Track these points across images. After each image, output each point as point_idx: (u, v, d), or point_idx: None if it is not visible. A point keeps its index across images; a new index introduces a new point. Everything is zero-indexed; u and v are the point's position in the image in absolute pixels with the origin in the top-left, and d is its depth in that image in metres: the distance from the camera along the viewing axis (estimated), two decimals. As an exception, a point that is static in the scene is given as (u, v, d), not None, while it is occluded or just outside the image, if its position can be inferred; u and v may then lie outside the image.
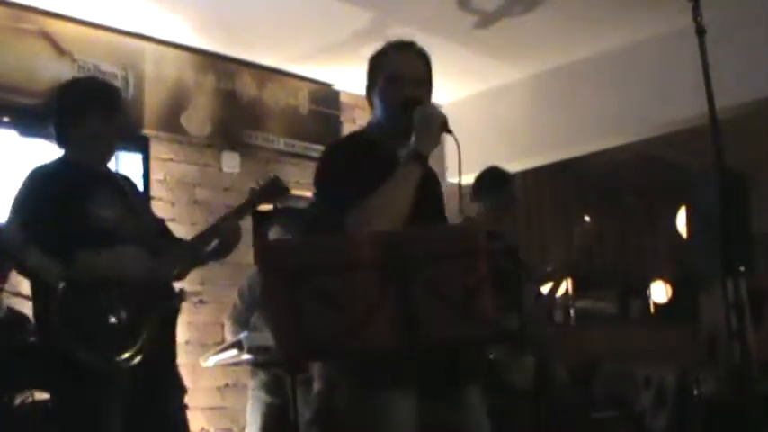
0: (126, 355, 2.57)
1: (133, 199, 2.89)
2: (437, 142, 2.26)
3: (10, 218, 2.62)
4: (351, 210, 2.09)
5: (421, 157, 2.20)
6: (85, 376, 2.52)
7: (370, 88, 2.49)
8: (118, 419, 2.57)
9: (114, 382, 2.56)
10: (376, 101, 2.44)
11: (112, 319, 2.57)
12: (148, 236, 2.79)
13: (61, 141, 2.82)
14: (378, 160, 2.25)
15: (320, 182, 2.29)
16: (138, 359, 2.59)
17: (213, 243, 2.91)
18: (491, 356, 3.51)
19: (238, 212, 2.97)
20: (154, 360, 2.63)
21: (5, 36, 4.34)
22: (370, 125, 2.46)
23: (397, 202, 2.15)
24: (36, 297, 2.65)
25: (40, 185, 2.68)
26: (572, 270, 4.49)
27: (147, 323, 2.63)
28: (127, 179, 3.01)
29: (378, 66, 2.48)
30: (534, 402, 3.54)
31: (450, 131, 2.25)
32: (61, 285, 2.50)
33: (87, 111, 2.76)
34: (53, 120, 2.82)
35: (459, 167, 2.22)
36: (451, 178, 6.37)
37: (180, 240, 2.97)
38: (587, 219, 4.01)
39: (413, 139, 2.21)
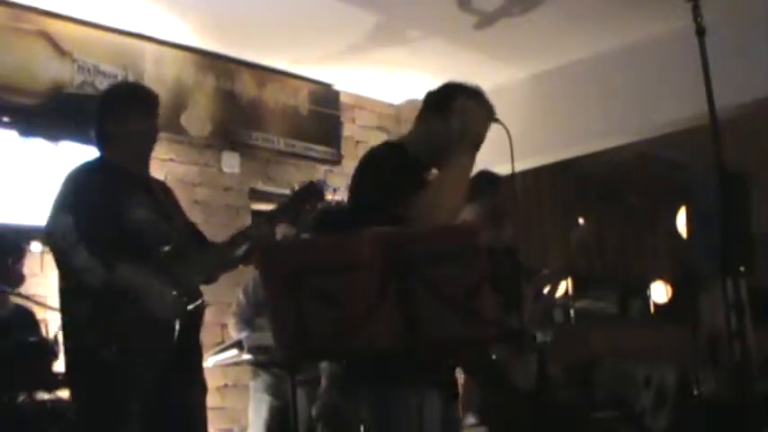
0: (153, 355, 2.59)
1: (167, 202, 2.92)
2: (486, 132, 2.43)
3: (57, 217, 2.63)
4: (408, 205, 2.16)
5: (478, 148, 2.38)
6: (110, 376, 2.54)
7: (442, 115, 2.48)
8: (137, 419, 2.58)
9: (138, 381, 2.58)
10: (438, 128, 2.48)
11: (140, 320, 2.59)
12: (180, 240, 2.81)
13: (101, 142, 2.87)
14: (416, 175, 2.38)
15: (361, 190, 2.35)
16: (164, 358, 2.61)
17: (243, 247, 2.91)
18: (493, 356, 3.51)
19: (271, 217, 2.97)
20: (177, 359, 2.65)
21: (5, 36, 4.34)
22: (410, 137, 2.53)
23: (460, 192, 2.33)
24: (67, 296, 2.67)
25: (84, 185, 2.72)
26: (570, 272, 4.49)
27: (174, 325, 2.65)
28: (161, 183, 3.05)
29: (467, 113, 2.49)
30: (534, 402, 3.54)
31: (497, 120, 2.40)
32: (99, 288, 2.53)
33: (130, 111, 2.82)
34: (95, 120, 2.87)
35: (512, 156, 2.35)
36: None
37: (210, 245, 2.99)
38: (581, 221, 4.01)
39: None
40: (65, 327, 2.72)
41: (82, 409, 2.68)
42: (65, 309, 2.69)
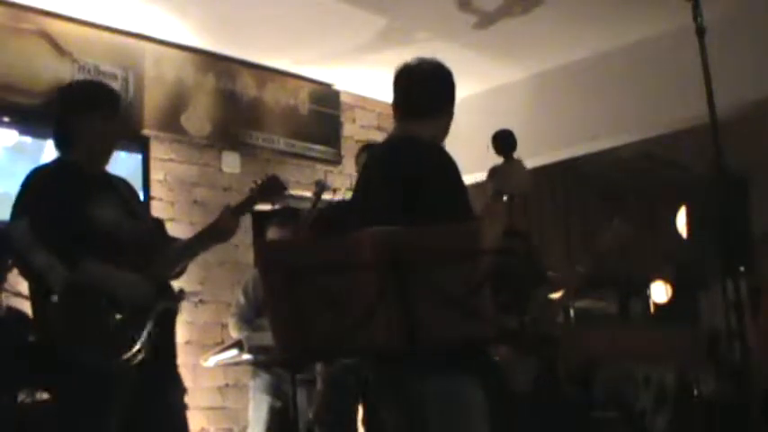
0: (125, 356, 2.57)
1: (130, 200, 2.89)
2: None
3: (16, 218, 2.61)
4: None
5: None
6: (84, 377, 2.52)
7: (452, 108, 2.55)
8: (115, 421, 2.57)
9: (114, 382, 2.55)
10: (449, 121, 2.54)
11: (111, 320, 2.57)
12: (146, 237, 2.78)
13: (60, 142, 2.81)
14: None
15: (449, 183, 2.32)
16: (137, 359, 2.59)
17: (210, 242, 2.90)
18: (495, 357, 3.50)
19: (236, 211, 2.96)
20: (153, 360, 2.63)
21: (5, 36, 4.34)
22: (433, 131, 2.51)
23: None
24: (35, 298, 2.64)
25: (42, 186, 2.68)
26: (598, 272, 4.40)
27: (146, 323, 2.63)
28: (123, 181, 3.00)
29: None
30: (537, 403, 3.53)
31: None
32: (62, 287, 2.50)
33: (89, 111, 2.76)
34: (54, 120, 2.81)
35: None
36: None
37: (176, 240, 2.97)
38: (616, 221, 3.94)
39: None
40: (37, 329, 2.69)
41: (66, 412, 2.66)
42: (35, 312, 2.65)
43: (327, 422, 3.69)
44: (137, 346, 2.59)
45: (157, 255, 2.75)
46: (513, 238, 3.48)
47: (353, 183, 3.91)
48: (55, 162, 2.82)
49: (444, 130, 2.52)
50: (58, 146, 2.82)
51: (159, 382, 2.71)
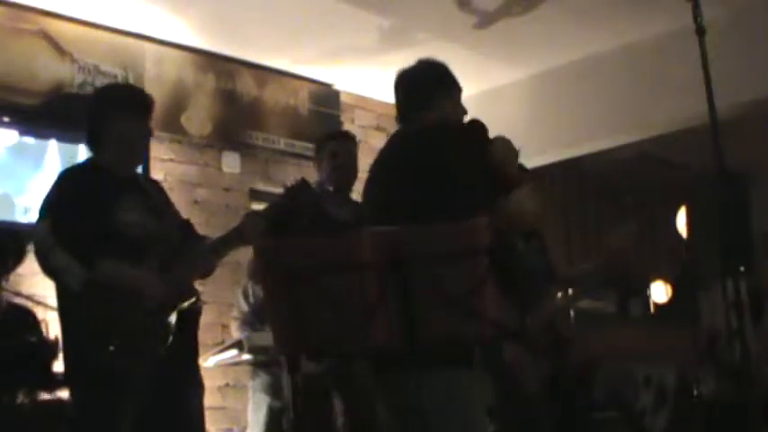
0: (146, 355, 2.58)
1: (158, 202, 2.90)
2: None
3: (41, 218, 2.64)
4: None
5: None
6: (102, 376, 2.53)
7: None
8: (128, 420, 2.58)
9: (128, 382, 2.56)
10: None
11: (130, 319, 2.58)
12: (172, 240, 2.79)
13: (92, 143, 2.84)
14: None
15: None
16: (158, 358, 2.60)
17: (236, 244, 2.91)
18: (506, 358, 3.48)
19: (262, 215, 2.96)
20: (174, 359, 2.64)
21: (5, 36, 4.34)
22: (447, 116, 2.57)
23: None
24: (59, 298, 2.67)
25: (69, 187, 2.70)
26: (609, 272, 4.38)
27: (168, 322, 2.65)
28: (152, 181, 3.03)
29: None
30: (545, 403, 3.53)
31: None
32: (80, 288, 2.52)
33: (121, 113, 2.78)
34: (85, 122, 2.84)
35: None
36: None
37: (205, 238, 2.98)
38: (628, 222, 3.93)
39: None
40: (63, 328, 2.71)
41: (80, 410, 2.67)
42: (61, 310, 2.68)
43: (302, 427, 3.64)
44: (157, 345, 2.60)
45: (182, 256, 2.76)
46: (530, 238, 3.47)
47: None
48: (85, 163, 2.87)
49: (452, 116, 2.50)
50: (90, 147, 2.86)
51: (179, 382, 2.71)
